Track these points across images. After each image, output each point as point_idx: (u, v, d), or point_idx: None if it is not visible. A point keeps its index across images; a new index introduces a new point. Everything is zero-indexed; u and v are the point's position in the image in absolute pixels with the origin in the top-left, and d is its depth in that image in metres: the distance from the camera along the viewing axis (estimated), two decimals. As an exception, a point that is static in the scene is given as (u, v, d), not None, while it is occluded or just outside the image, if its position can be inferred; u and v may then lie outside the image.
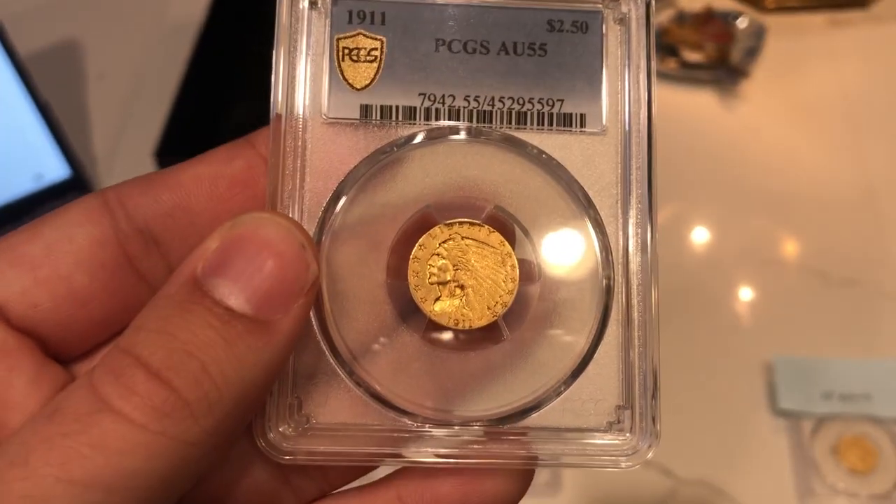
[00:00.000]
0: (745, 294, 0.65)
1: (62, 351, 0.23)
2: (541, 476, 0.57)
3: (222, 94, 0.75)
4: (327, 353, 0.23)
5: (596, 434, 0.24)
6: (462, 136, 0.24)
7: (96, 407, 0.18)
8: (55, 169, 0.66)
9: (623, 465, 0.23)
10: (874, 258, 0.66)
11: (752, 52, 0.75)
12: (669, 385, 0.63)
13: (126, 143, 0.75)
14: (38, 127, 0.66)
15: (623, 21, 0.25)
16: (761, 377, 0.61)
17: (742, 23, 0.76)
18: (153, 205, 0.23)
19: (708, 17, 0.76)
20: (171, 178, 0.24)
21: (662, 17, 0.77)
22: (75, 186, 0.67)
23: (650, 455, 0.24)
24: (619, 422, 0.24)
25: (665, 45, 0.75)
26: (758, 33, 0.76)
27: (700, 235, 0.69)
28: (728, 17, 0.76)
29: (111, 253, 0.23)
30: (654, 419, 0.24)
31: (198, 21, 0.78)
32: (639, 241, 0.24)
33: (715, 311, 0.65)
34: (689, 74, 0.75)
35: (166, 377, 0.18)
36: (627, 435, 0.24)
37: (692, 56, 0.74)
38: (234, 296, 0.19)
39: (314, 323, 0.23)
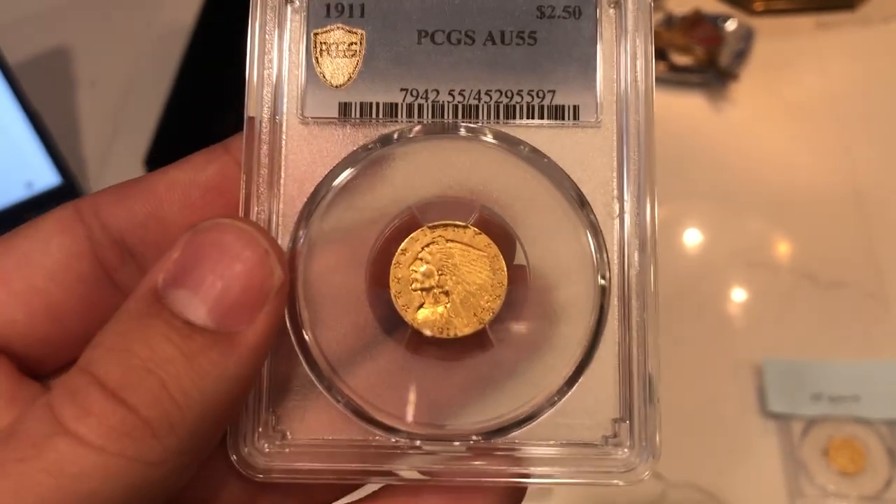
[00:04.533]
0: (735, 296, 0.65)
1: (39, 367, 0.23)
2: (532, 480, 0.57)
3: (213, 100, 0.75)
4: (304, 365, 0.22)
5: (591, 449, 0.22)
6: (448, 132, 0.23)
7: (52, 430, 0.17)
8: (46, 176, 0.66)
9: (620, 483, 0.22)
10: (863, 260, 0.66)
11: (741, 55, 0.75)
12: (660, 387, 0.63)
13: (117, 149, 0.74)
14: (28, 135, 0.66)
15: (618, 4, 0.23)
16: (751, 379, 0.61)
17: (730, 26, 0.76)
18: (127, 215, 0.22)
19: (696, 21, 0.76)
20: (144, 187, 0.23)
21: (651, 21, 0.77)
22: (66, 194, 0.66)
23: (647, 473, 0.22)
24: (615, 436, 0.22)
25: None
26: (746, 36, 0.76)
27: (689, 238, 0.69)
28: (717, 20, 0.76)
29: (87, 265, 0.22)
30: (653, 433, 0.22)
31: (188, 27, 0.78)
32: (637, 241, 0.23)
33: (704, 314, 0.65)
34: (677, 78, 0.75)
35: (123, 396, 0.18)
36: (625, 450, 0.22)
37: (681, 59, 0.74)
38: (193, 307, 0.19)
39: (290, 335, 0.22)
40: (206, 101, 0.74)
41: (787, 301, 0.65)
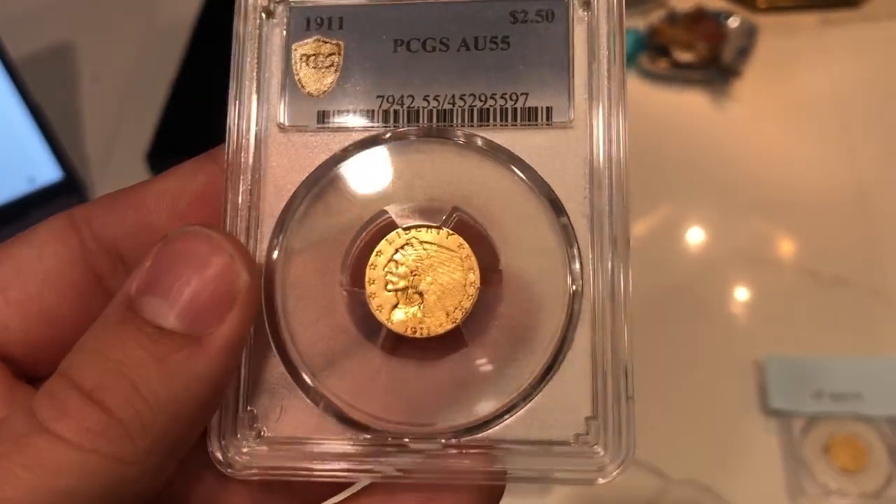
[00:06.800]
0: (737, 294, 0.65)
1: (34, 371, 0.23)
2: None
3: (214, 96, 0.75)
4: (282, 365, 0.23)
5: (564, 447, 0.22)
6: (422, 137, 0.24)
7: (31, 428, 0.18)
8: (48, 171, 0.66)
9: (595, 480, 0.22)
10: (865, 257, 0.66)
11: (744, 52, 0.75)
12: (660, 385, 0.63)
13: (118, 145, 0.75)
14: (30, 129, 0.66)
15: (589, 6, 0.24)
16: (752, 376, 0.61)
17: (733, 22, 0.76)
18: (118, 224, 0.23)
19: (699, 17, 0.76)
20: (134, 197, 0.24)
21: (653, 17, 0.77)
22: (68, 189, 0.67)
23: (618, 472, 0.22)
24: (587, 433, 0.22)
25: (656, 45, 0.75)
26: (749, 33, 0.76)
27: (691, 236, 0.69)
28: (719, 17, 0.76)
29: (80, 272, 0.23)
30: (627, 431, 0.22)
31: (190, 23, 0.78)
32: (610, 238, 0.23)
33: (706, 311, 0.64)
34: (680, 74, 0.75)
35: (98, 398, 0.18)
36: (597, 448, 0.22)
37: (683, 56, 0.74)
38: (163, 313, 0.20)
39: (269, 336, 0.23)
40: (207, 97, 0.74)
41: (789, 298, 0.65)
